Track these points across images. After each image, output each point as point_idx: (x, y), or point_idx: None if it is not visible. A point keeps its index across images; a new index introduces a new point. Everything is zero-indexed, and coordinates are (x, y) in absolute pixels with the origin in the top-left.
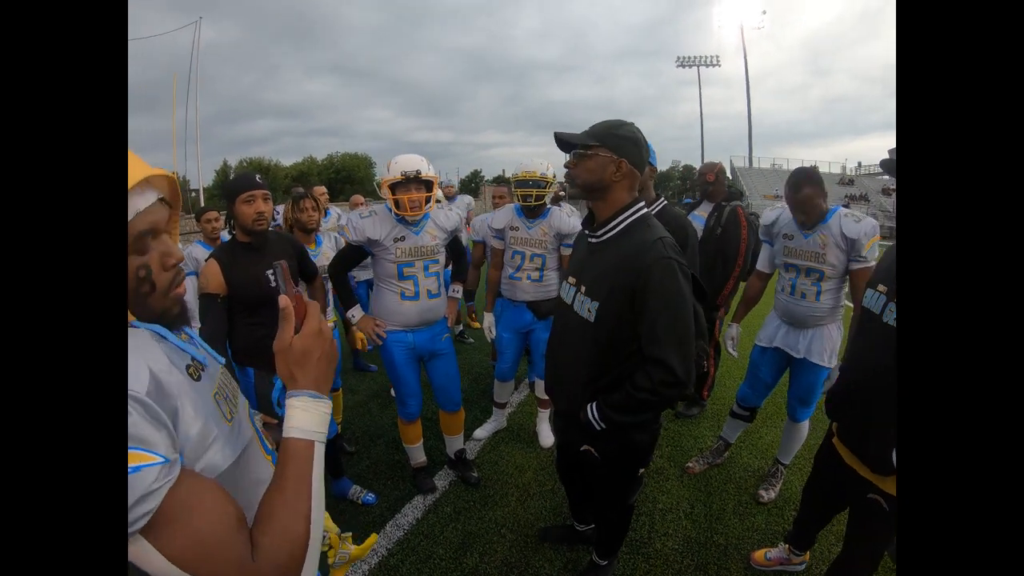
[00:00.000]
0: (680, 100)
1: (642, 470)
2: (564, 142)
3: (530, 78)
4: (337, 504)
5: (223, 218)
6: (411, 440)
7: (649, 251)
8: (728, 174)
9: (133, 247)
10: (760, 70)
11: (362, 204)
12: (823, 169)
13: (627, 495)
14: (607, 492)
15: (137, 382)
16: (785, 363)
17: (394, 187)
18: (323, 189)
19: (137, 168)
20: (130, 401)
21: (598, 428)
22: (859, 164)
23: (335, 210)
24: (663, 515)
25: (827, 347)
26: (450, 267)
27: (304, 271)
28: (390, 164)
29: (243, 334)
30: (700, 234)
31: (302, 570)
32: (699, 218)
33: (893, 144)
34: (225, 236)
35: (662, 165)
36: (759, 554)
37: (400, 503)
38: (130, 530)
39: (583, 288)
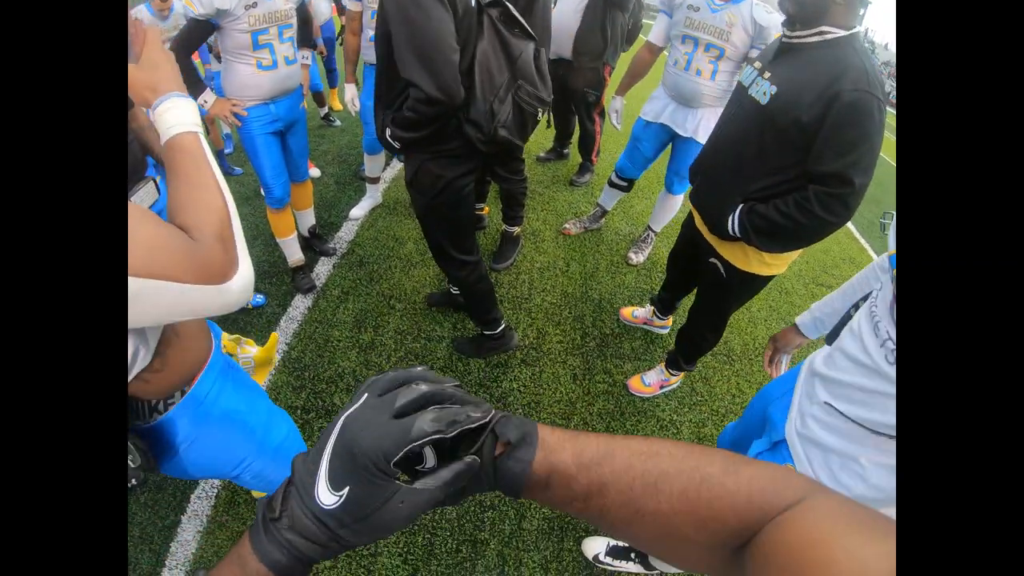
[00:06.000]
0: None
1: (517, 229)
2: None
3: None
4: (229, 314)
5: None
6: (283, 232)
7: None
8: None
9: None
10: None
11: None
12: None
13: (448, 243)
14: (428, 234)
15: None
16: (668, 139)
17: None
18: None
19: None
20: None
21: (396, 145)
22: None
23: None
24: (541, 273)
25: None
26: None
27: None
28: None
29: None
30: None
31: (234, 236)
32: None
33: None
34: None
35: None
36: (627, 311)
37: (289, 297)
38: None
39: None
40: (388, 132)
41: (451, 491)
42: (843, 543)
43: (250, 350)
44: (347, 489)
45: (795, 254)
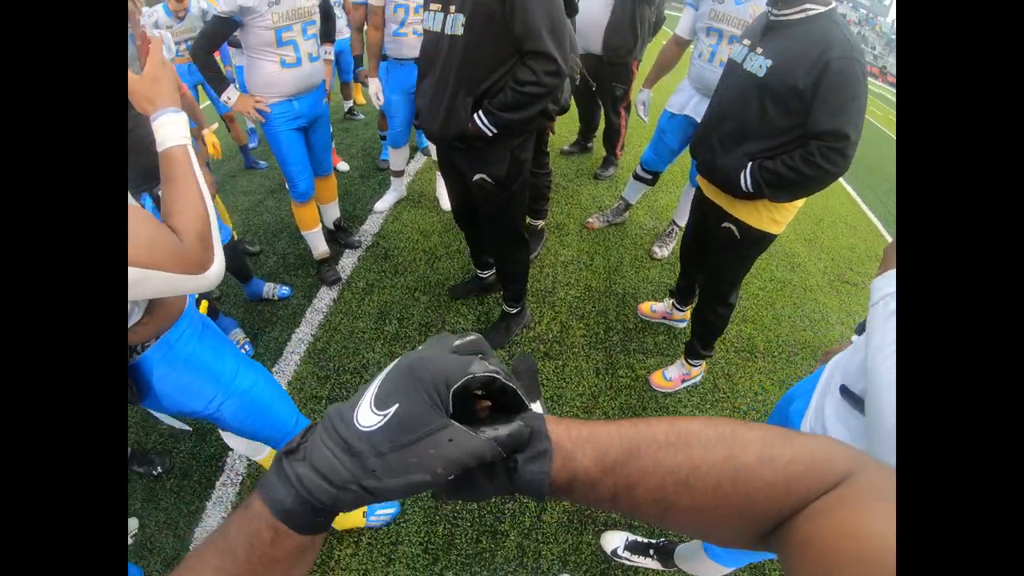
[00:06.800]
0: None
1: (542, 223)
2: None
3: None
4: (256, 306)
5: None
6: (308, 225)
7: None
8: None
9: None
10: None
11: None
12: None
13: (520, 223)
14: (502, 224)
15: None
16: (693, 131)
17: None
18: (185, 3)
19: None
20: None
21: (489, 134)
22: None
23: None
24: (565, 267)
25: None
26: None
27: None
28: None
29: None
30: None
31: (212, 237)
32: None
33: None
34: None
35: None
36: (645, 306)
37: (314, 289)
38: None
39: (452, 8)
40: (483, 118)
41: (497, 455)
42: (879, 533)
43: None
44: (395, 407)
45: (795, 213)
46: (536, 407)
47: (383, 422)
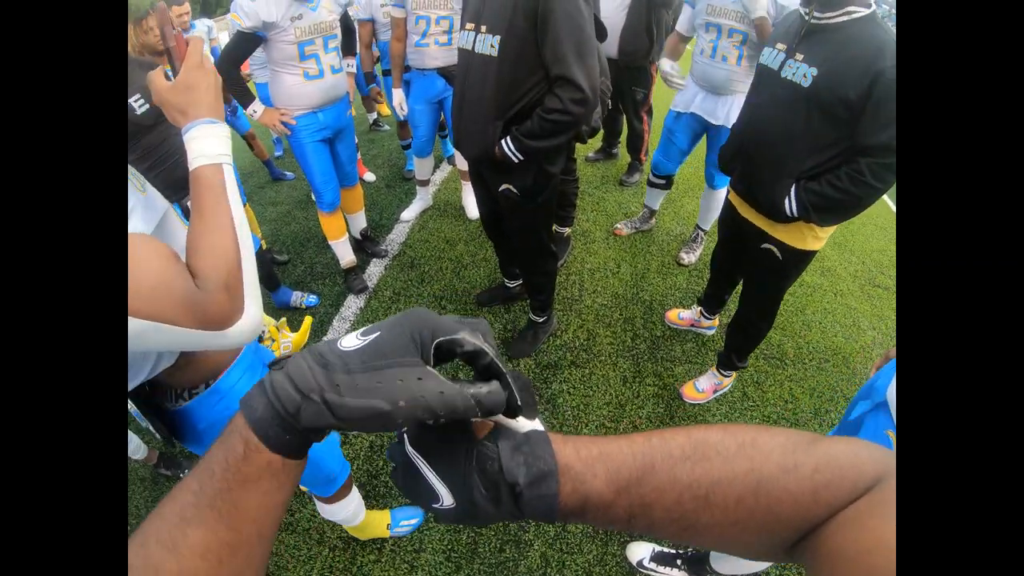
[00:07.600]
0: None
1: (568, 230)
2: None
3: None
4: (284, 314)
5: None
6: (335, 234)
7: None
8: None
9: None
10: None
11: None
12: None
13: (547, 235)
14: (528, 234)
15: None
16: (701, 129)
17: None
18: (186, 8)
19: None
20: None
21: (515, 160)
22: None
23: (202, 23)
24: (591, 274)
25: None
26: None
27: None
28: None
29: None
30: None
31: (242, 283)
32: None
33: None
34: None
35: None
36: (672, 314)
37: (342, 298)
38: None
39: (483, 28)
40: (510, 144)
41: (471, 411)
42: None
43: (289, 335)
44: (376, 335)
45: (836, 226)
46: (536, 424)
47: (361, 345)
